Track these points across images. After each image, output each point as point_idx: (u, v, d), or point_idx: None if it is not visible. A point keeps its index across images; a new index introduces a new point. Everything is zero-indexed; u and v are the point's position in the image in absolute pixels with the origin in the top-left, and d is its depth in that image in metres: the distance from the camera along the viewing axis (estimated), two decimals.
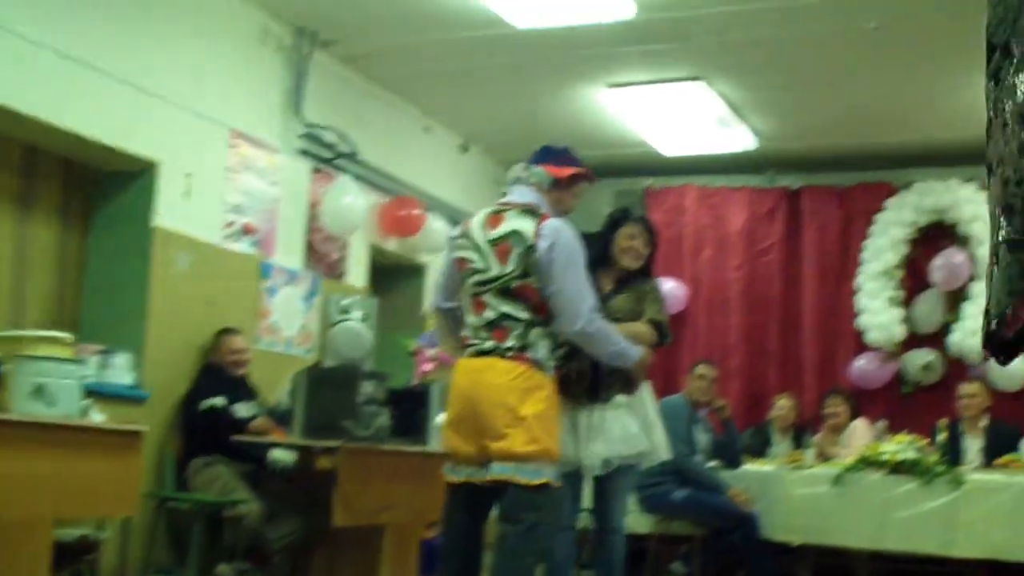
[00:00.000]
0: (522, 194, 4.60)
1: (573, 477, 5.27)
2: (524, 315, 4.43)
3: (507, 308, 4.42)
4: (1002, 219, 1.90)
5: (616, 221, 5.59)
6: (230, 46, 7.54)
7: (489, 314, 4.44)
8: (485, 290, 4.46)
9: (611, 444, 5.28)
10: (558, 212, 4.62)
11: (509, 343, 4.40)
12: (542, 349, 4.45)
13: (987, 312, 1.97)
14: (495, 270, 4.45)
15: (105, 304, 6.89)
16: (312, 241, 8.28)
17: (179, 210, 7.07)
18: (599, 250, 5.41)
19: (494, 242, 4.47)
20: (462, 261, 4.57)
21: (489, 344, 4.42)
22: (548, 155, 4.70)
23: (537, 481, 4.33)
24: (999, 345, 1.97)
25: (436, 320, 4.87)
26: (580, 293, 4.47)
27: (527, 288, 4.44)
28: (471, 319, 4.51)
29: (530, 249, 4.41)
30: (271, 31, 7.87)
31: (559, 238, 4.43)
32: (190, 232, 7.15)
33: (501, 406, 4.35)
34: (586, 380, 5.16)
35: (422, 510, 6.60)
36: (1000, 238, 1.90)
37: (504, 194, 4.77)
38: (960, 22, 7.20)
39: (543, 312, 4.46)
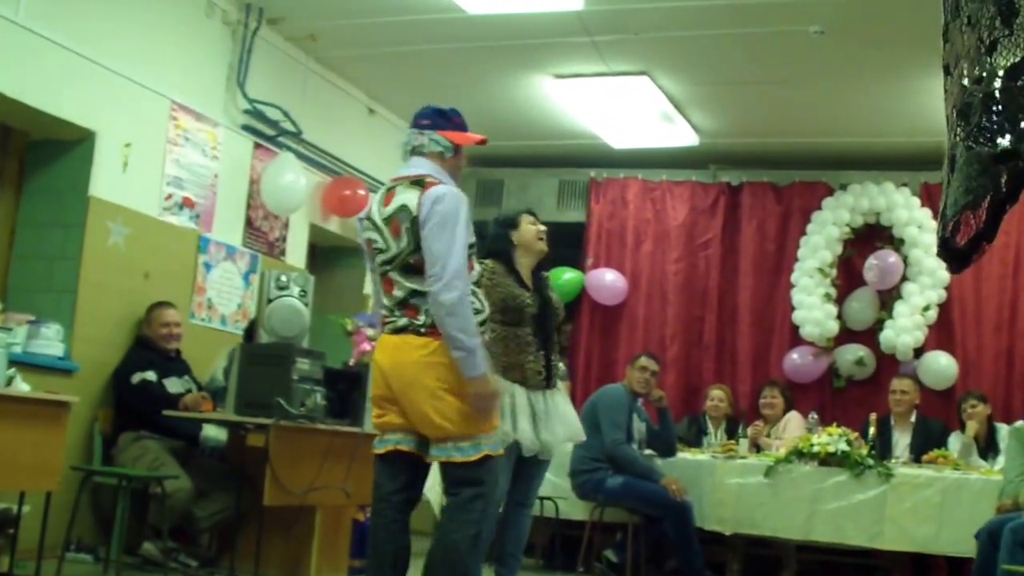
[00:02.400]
0: (417, 164, 4.45)
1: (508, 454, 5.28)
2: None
3: (413, 284, 4.31)
4: (958, 121, 1.88)
5: (512, 220, 5.73)
6: (175, 17, 7.44)
7: (398, 292, 4.33)
8: (390, 268, 4.37)
9: (569, 428, 5.65)
10: (454, 178, 4.53)
11: (421, 319, 4.28)
12: None
13: (943, 215, 1.97)
14: (393, 248, 4.34)
15: (36, 274, 6.78)
16: (251, 218, 8.20)
17: (116, 181, 6.95)
18: (502, 245, 5.63)
19: (387, 220, 4.37)
20: (368, 242, 4.47)
21: (403, 321, 4.30)
22: (443, 120, 4.54)
23: (475, 456, 4.27)
24: (952, 253, 1.98)
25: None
26: (446, 253, 4.20)
27: (422, 261, 4.32)
28: (385, 299, 4.39)
29: (414, 220, 4.29)
30: (217, 5, 7.77)
31: (437, 203, 4.24)
32: (127, 203, 7.03)
33: (419, 386, 4.24)
34: (544, 373, 5.48)
35: (355, 492, 6.50)
36: (957, 138, 1.89)
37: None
38: (900, 31, 7.33)
39: None
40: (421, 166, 4.45)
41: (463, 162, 4.66)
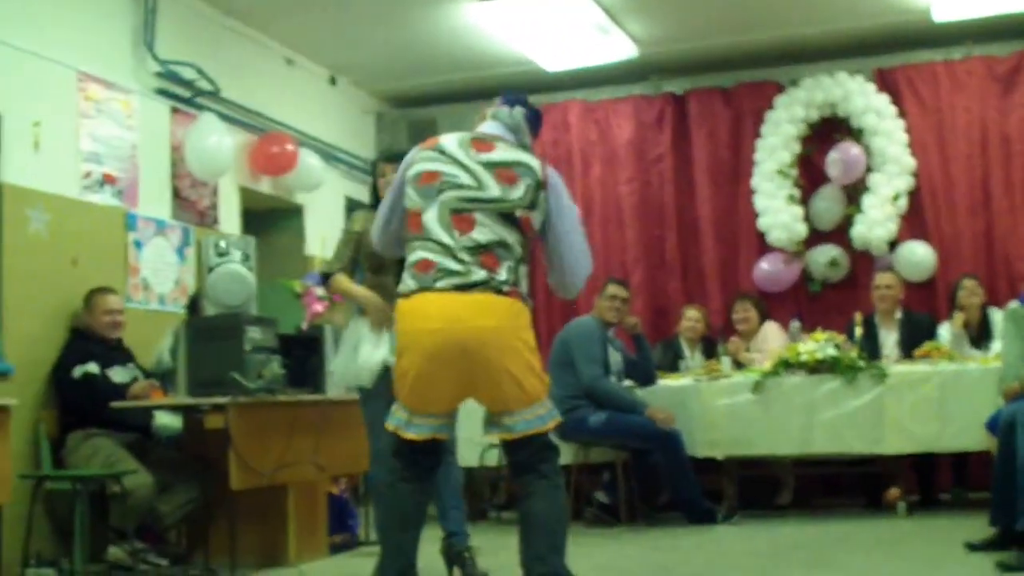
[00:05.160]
0: (505, 133, 4.17)
1: None
2: (519, 249, 3.98)
3: (507, 235, 3.94)
4: None
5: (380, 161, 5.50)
6: None
7: (482, 234, 3.90)
8: (478, 208, 3.93)
9: None
10: None
11: (503, 275, 3.90)
12: (525, 286, 4.04)
13: None
14: (495, 191, 3.94)
15: None
16: (178, 187, 7.72)
17: (29, 163, 6.48)
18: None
19: (492, 165, 3.98)
20: (432, 174, 4.01)
21: (481, 274, 3.86)
22: (535, 119, 4.30)
23: (556, 421, 4.02)
24: None
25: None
26: (587, 253, 4.21)
27: (529, 221, 3.99)
28: (446, 237, 3.91)
29: (540, 185, 4.01)
30: None
31: (565, 192, 4.15)
32: (43, 187, 6.56)
33: (513, 352, 3.88)
34: None
35: (326, 464, 6.25)
36: None
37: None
38: None
39: (527, 251, 4.06)
40: (509, 136, 4.17)
41: None
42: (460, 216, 3.93)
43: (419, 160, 4.07)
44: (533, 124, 4.28)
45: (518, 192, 3.96)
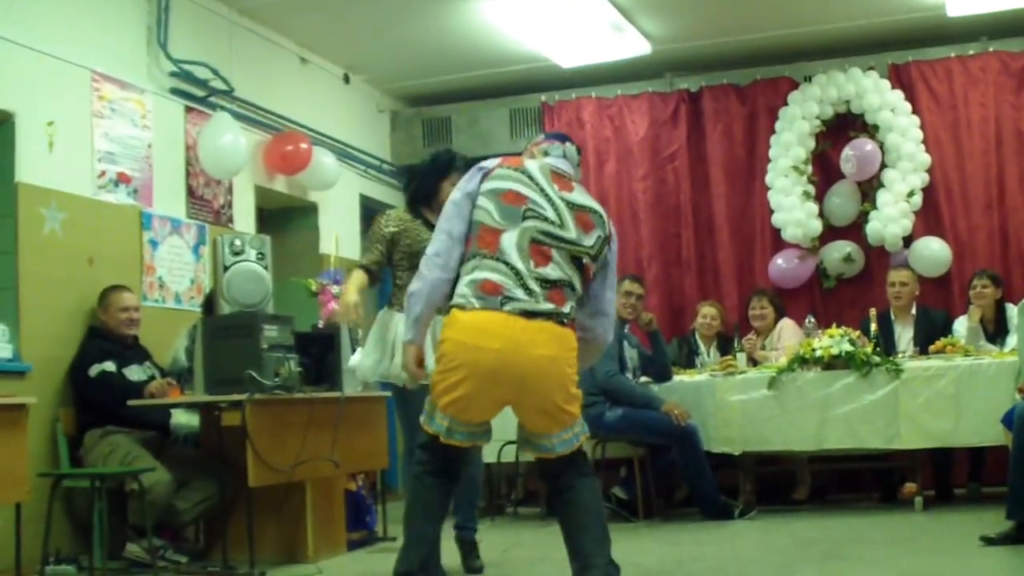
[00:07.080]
0: (573, 171, 4.25)
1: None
2: (580, 293, 4.06)
3: (574, 278, 4.02)
4: None
5: (445, 165, 5.37)
6: None
7: (554, 271, 3.97)
8: (556, 245, 3.99)
9: None
10: None
11: (567, 309, 3.97)
12: None
13: None
14: (573, 234, 4.01)
15: None
16: (192, 187, 7.74)
17: (43, 163, 6.49)
18: (426, 189, 5.37)
19: (573, 206, 4.06)
20: (519, 196, 4.04)
21: (547, 306, 3.92)
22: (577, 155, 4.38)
23: (587, 436, 4.12)
24: None
25: (426, 281, 4.13)
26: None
27: (589, 270, 4.08)
28: (521, 264, 3.95)
29: (607, 240, 4.13)
30: None
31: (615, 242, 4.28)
32: (58, 186, 6.57)
33: (562, 385, 3.93)
34: None
35: (343, 460, 6.23)
36: None
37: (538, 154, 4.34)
38: None
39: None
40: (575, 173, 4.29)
41: None
42: (539, 247, 3.98)
43: (501, 176, 4.11)
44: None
45: (591, 240, 4.05)
